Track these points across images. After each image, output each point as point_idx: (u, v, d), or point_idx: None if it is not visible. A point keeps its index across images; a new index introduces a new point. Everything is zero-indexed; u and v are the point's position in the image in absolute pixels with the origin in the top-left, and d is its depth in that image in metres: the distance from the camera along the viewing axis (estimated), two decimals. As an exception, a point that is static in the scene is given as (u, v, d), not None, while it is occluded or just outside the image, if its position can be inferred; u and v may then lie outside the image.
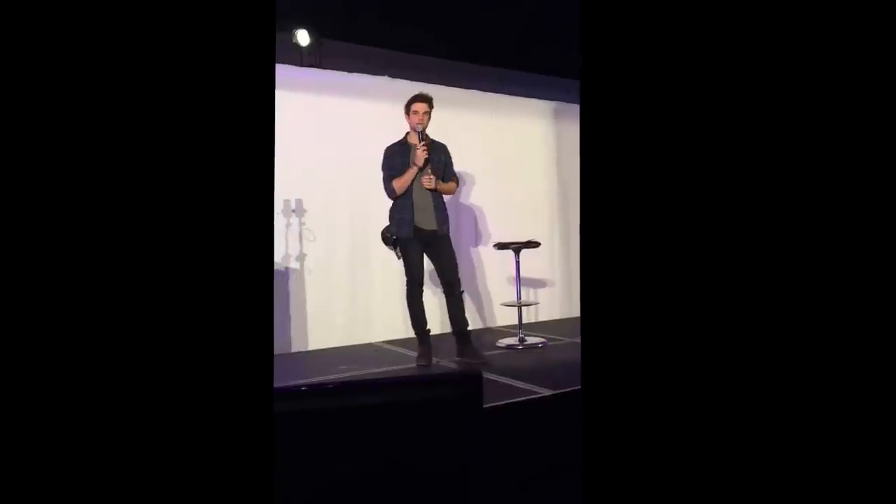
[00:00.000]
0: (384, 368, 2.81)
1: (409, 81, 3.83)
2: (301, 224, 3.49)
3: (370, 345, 3.53)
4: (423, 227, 2.77)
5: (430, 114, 2.78)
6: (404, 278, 3.87)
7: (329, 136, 3.58)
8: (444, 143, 2.91)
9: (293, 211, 3.46)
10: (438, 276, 2.85)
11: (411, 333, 3.69)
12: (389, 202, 3.74)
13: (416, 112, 2.75)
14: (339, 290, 3.60)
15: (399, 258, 2.84)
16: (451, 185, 2.86)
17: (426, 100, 2.78)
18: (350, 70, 3.63)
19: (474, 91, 4.06)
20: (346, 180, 3.61)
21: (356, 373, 2.72)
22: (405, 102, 2.83)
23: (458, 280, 2.84)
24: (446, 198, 2.95)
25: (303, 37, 3.39)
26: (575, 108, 4.61)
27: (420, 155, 2.71)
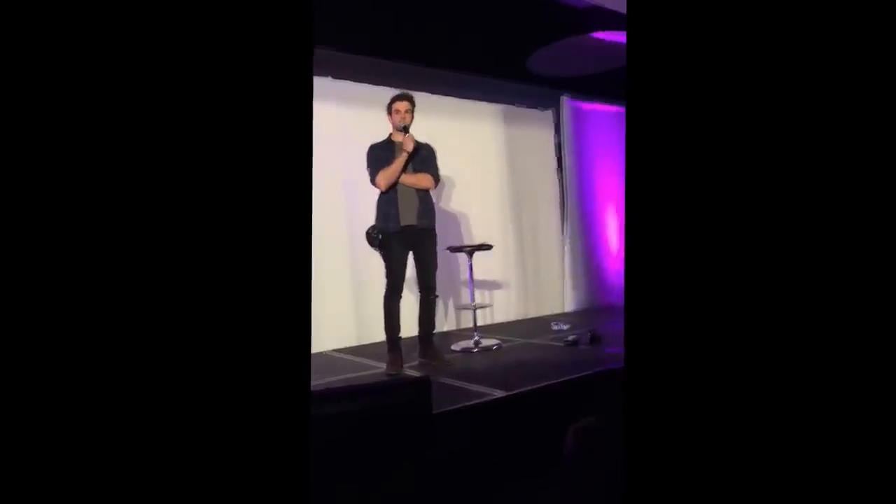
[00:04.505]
0: (334, 378, 2.73)
1: (352, 83, 3.77)
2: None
3: (320, 354, 3.43)
4: (409, 223, 2.75)
5: (412, 112, 2.79)
6: (352, 284, 3.79)
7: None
8: (428, 143, 2.90)
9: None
10: (418, 276, 2.83)
11: (362, 341, 3.63)
12: (339, 205, 3.68)
13: (398, 111, 2.77)
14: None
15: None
16: (422, 176, 2.79)
17: (408, 98, 2.80)
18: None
19: (423, 93, 4.04)
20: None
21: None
22: (387, 103, 2.82)
23: (435, 283, 2.85)
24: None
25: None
26: (525, 112, 4.67)
27: (408, 140, 2.71)
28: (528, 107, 4.69)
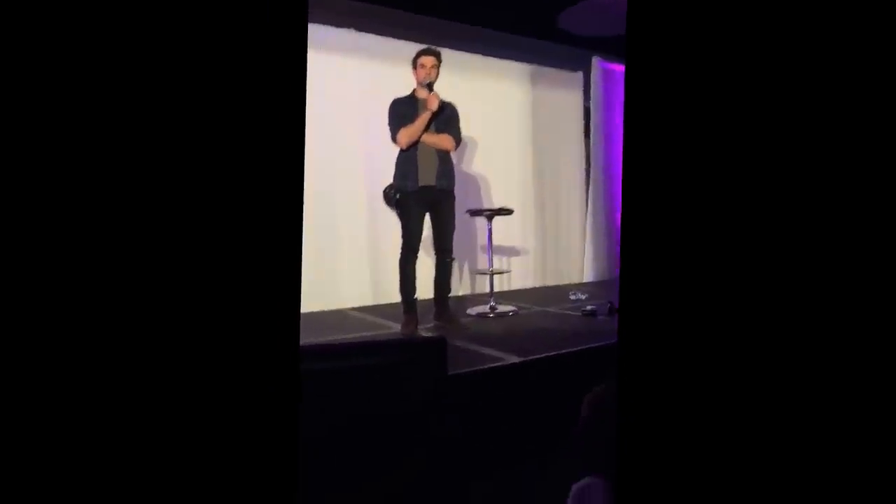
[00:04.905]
0: (350, 335, 2.74)
1: (375, 36, 3.65)
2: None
3: (337, 311, 3.44)
4: (428, 183, 2.69)
5: (438, 68, 2.70)
6: (369, 242, 3.77)
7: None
8: (452, 103, 2.81)
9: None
10: (434, 239, 2.79)
11: (379, 301, 3.63)
12: (359, 164, 3.63)
13: (423, 66, 2.68)
14: (306, 254, 3.47)
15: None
16: (443, 137, 2.72)
17: (434, 53, 2.71)
18: (312, 22, 3.43)
19: (448, 49, 3.90)
20: (311, 141, 3.45)
21: (320, 339, 2.64)
22: (412, 57, 2.73)
23: (452, 246, 2.80)
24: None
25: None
26: (553, 73, 4.50)
27: (433, 98, 2.63)
28: (556, 67, 4.51)
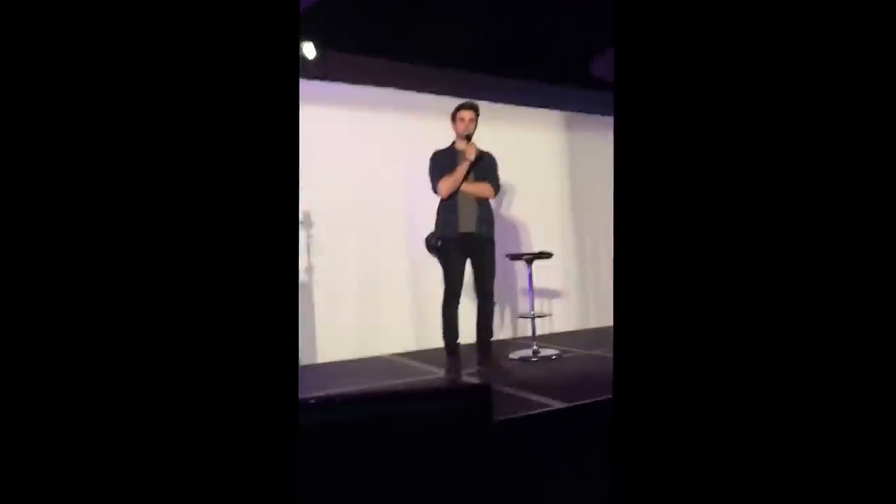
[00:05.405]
0: (393, 381, 2.77)
1: (416, 93, 3.84)
2: (309, 236, 3.48)
3: (380, 357, 3.49)
4: (468, 230, 2.77)
5: (475, 120, 2.84)
6: (412, 289, 3.84)
7: (336, 148, 3.59)
8: (490, 152, 2.92)
9: (301, 222, 3.45)
10: (475, 284, 2.85)
11: (422, 346, 3.67)
12: (400, 212, 3.75)
13: (461, 119, 2.82)
14: (348, 301, 3.58)
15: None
16: (482, 185, 2.82)
17: (472, 107, 2.85)
18: (356, 82, 3.65)
19: (484, 102, 4.05)
20: (354, 191, 3.61)
21: (365, 386, 2.68)
22: (451, 111, 2.88)
23: (493, 291, 2.85)
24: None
25: (308, 49, 3.41)
26: (587, 118, 4.58)
27: (471, 149, 2.75)
28: (590, 112, 4.60)
